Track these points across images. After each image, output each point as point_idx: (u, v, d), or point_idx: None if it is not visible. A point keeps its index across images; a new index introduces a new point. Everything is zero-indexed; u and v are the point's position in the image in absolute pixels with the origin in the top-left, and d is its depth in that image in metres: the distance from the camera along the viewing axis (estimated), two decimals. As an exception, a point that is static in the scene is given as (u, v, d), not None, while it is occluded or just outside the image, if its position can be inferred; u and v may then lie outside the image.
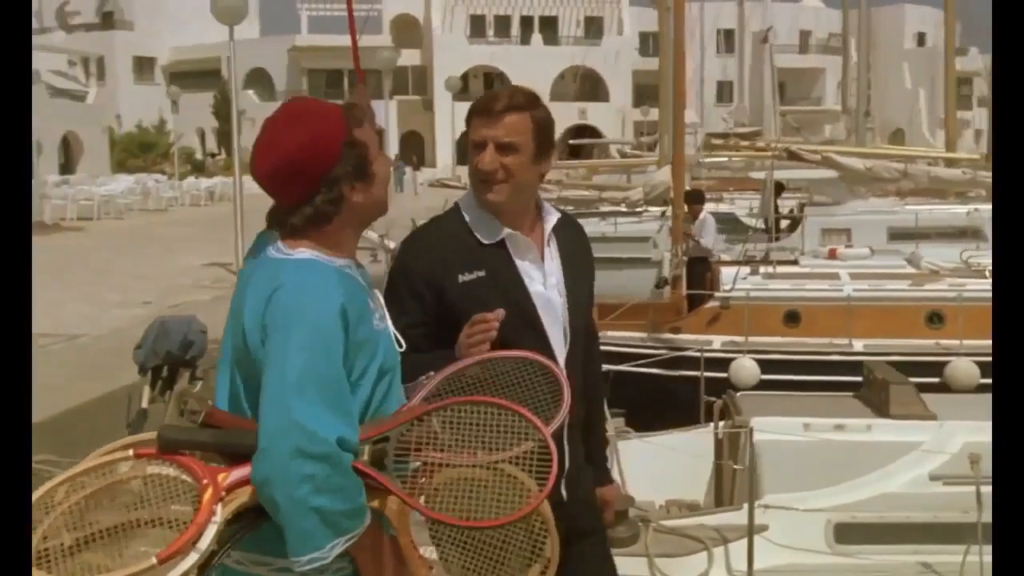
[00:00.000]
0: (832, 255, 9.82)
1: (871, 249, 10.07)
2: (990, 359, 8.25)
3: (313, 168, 1.77)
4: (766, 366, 8.67)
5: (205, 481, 1.69)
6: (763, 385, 8.40)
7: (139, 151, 36.35)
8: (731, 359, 8.77)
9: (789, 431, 4.39)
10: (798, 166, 12.99)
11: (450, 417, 1.79)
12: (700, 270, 10.08)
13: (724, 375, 8.73)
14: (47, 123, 29.83)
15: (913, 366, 8.63)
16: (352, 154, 1.80)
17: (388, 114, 45.59)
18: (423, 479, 1.74)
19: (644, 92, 44.21)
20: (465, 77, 48.94)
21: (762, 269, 9.57)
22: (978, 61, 40.45)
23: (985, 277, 8.84)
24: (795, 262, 9.89)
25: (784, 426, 4.44)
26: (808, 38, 50.66)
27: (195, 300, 10.80)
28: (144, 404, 4.22)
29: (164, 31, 47.67)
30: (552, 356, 2.13)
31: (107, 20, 48.46)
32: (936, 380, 8.34)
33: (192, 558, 1.63)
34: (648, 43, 46.48)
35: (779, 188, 16.93)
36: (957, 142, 16.58)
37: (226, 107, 43.19)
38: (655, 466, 4.92)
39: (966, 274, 9.05)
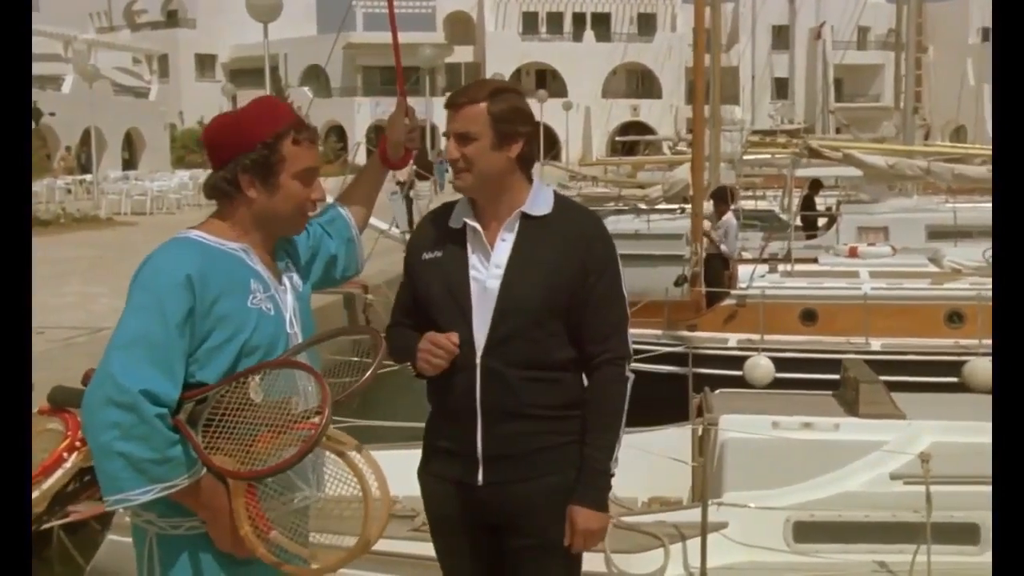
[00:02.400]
0: (853, 253, 9.70)
1: (893, 248, 9.91)
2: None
3: (222, 145, 1.99)
4: (782, 364, 8.61)
5: (69, 433, 1.96)
6: (777, 384, 8.34)
7: (197, 147, 37.26)
8: (746, 357, 8.73)
9: (756, 429, 4.40)
10: (829, 164, 12.81)
11: (264, 384, 1.92)
12: (719, 268, 10.03)
13: (739, 373, 8.70)
14: (111, 120, 30.86)
15: (931, 366, 8.52)
16: (261, 154, 1.96)
17: (431, 111, 46.09)
18: (236, 440, 1.85)
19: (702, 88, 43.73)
20: (517, 73, 49.07)
21: (781, 267, 9.50)
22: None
23: (1007, 277, 8.66)
24: (815, 260, 9.78)
25: (752, 424, 4.46)
26: (867, 34, 49.53)
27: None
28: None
29: (225, 29, 48.75)
30: (471, 336, 2.27)
31: (172, 18, 49.76)
32: (954, 380, 8.21)
33: (33, 494, 1.89)
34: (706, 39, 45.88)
35: (817, 186, 16.73)
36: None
37: (281, 104, 44.24)
38: (641, 463, 4.97)
39: (988, 273, 8.85)
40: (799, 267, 9.45)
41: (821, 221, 15.25)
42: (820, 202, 16.42)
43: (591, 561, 3.42)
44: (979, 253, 9.42)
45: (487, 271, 2.30)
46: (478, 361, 2.27)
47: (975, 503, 4.07)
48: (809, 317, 8.98)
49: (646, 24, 50.96)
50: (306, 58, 48.11)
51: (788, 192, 12.13)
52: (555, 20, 51.65)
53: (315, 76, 48.50)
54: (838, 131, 27.09)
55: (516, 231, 2.32)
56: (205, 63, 49.12)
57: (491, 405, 2.27)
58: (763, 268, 9.40)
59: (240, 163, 1.96)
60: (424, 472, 2.43)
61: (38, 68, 23.99)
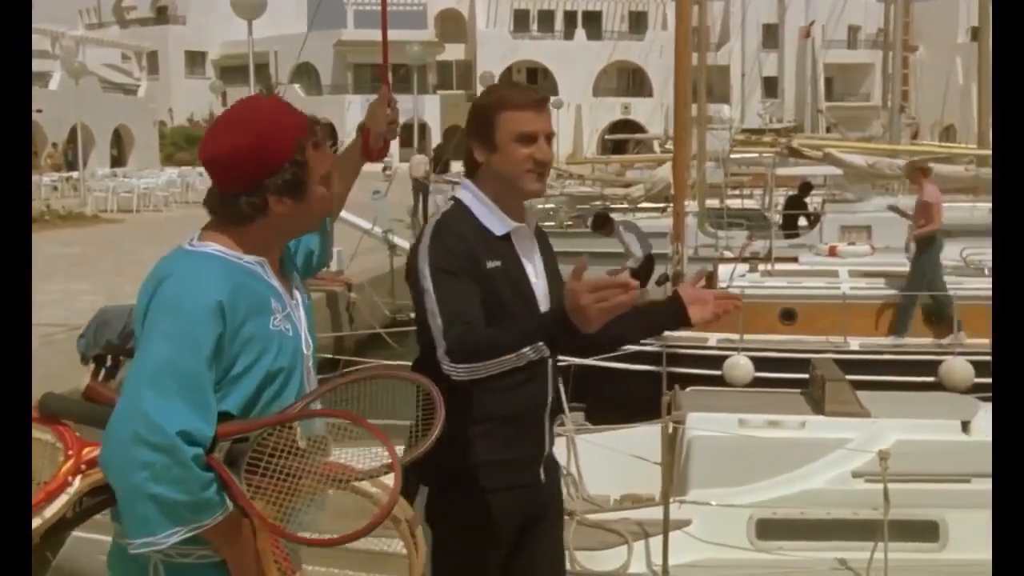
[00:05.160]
0: (832, 252, 9.75)
1: (872, 247, 9.96)
2: (985, 358, 8.15)
3: (247, 170, 1.80)
4: (761, 364, 8.65)
5: (70, 452, 1.77)
6: (757, 383, 8.38)
7: (186, 144, 37.20)
8: (725, 357, 8.77)
9: (723, 427, 4.43)
10: (813, 163, 12.86)
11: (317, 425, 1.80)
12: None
13: (719, 373, 8.74)
14: (99, 117, 30.76)
15: (908, 365, 8.58)
16: (290, 171, 1.81)
17: (417, 108, 46.01)
18: (278, 486, 1.73)
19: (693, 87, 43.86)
20: (509, 71, 49.07)
21: (761, 266, 9.54)
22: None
23: (984, 275, 8.71)
24: (795, 259, 9.82)
25: (719, 422, 4.49)
26: (857, 33, 49.73)
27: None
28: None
29: (215, 25, 48.60)
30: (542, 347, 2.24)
31: (161, 15, 49.61)
32: (931, 379, 8.27)
33: (35, 523, 1.71)
34: (695, 37, 46.00)
35: (807, 187, 16.78)
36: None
37: (271, 101, 44.15)
38: (615, 461, 4.99)
39: (965, 272, 8.92)
40: (779, 266, 9.50)
41: (804, 221, 15.32)
42: (810, 202, 16.48)
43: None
44: (958, 252, 9.48)
45: (536, 275, 2.33)
46: (549, 362, 2.30)
47: (936, 501, 4.11)
48: (788, 316, 9.02)
49: (637, 22, 51.03)
50: (296, 55, 48.04)
51: (769, 191, 12.17)
52: (546, 18, 51.67)
53: (306, 74, 48.42)
54: (828, 130, 27.20)
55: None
56: (195, 60, 48.97)
57: (554, 404, 2.37)
58: (743, 267, 9.44)
59: (269, 186, 1.81)
60: (473, 487, 2.28)
61: (25, 64, 23.86)
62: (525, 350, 2.01)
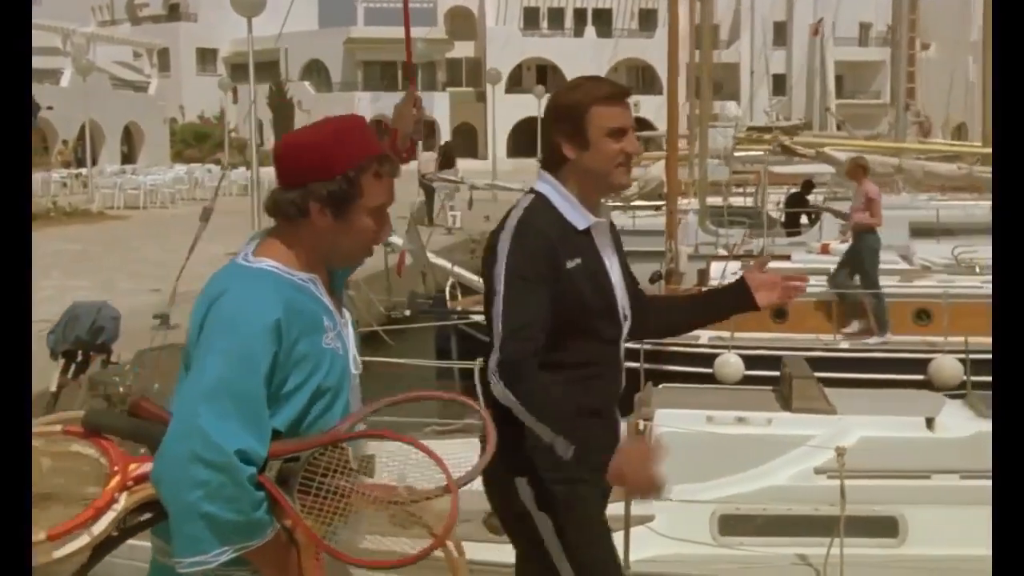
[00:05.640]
0: (825, 250, 9.74)
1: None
2: (974, 356, 8.14)
3: (300, 166, 1.81)
4: (751, 362, 8.66)
5: (116, 468, 1.75)
6: (747, 380, 8.39)
7: (195, 141, 37.40)
8: (717, 355, 8.78)
9: (690, 423, 4.45)
10: (807, 161, 12.83)
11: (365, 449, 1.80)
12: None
13: (710, 371, 8.76)
14: (110, 114, 30.98)
15: (898, 363, 8.57)
16: (339, 185, 1.81)
17: (432, 106, 45.98)
18: (328, 506, 1.73)
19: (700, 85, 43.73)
20: (518, 69, 49.08)
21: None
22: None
23: (975, 273, 8.69)
24: (788, 257, 9.82)
25: (686, 419, 4.51)
26: (868, 31, 49.47)
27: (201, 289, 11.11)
28: (52, 388, 4.45)
29: (226, 23, 48.78)
30: (621, 334, 2.35)
31: (173, 12, 49.85)
32: (921, 377, 8.26)
33: (81, 540, 1.68)
34: (709, 35, 45.84)
35: (809, 185, 16.75)
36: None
37: (280, 99, 44.25)
38: None
39: (957, 271, 8.90)
40: (772, 264, 9.40)
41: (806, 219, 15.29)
42: (813, 199, 16.44)
43: (512, 554, 3.51)
44: (950, 251, 9.46)
45: (612, 270, 2.35)
46: (621, 354, 2.38)
47: (896, 497, 4.13)
48: (779, 315, 9.01)
49: (647, 20, 50.92)
50: (306, 52, 48.18)
51: (762, 189, 12.17)
52: (556, 15, 51.64)
53: (315, 71, 48.59)
54: (838, 127, 27.09)
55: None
56: (206, 57, 49.17)
57: (622, 396, 2.43)
58: (736, 265, 9.44)
59: (314, 191, 1.80)
60: (568, 479, 2.29)
61: (37, 62, 24.06)
62: (548, 437, 2.11)
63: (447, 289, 10.27)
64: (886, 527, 4.03)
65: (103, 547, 1.72)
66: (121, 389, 4.29)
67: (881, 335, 8.69)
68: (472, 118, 48.76)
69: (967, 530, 3.91)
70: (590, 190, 2.29)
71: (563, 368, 2.24)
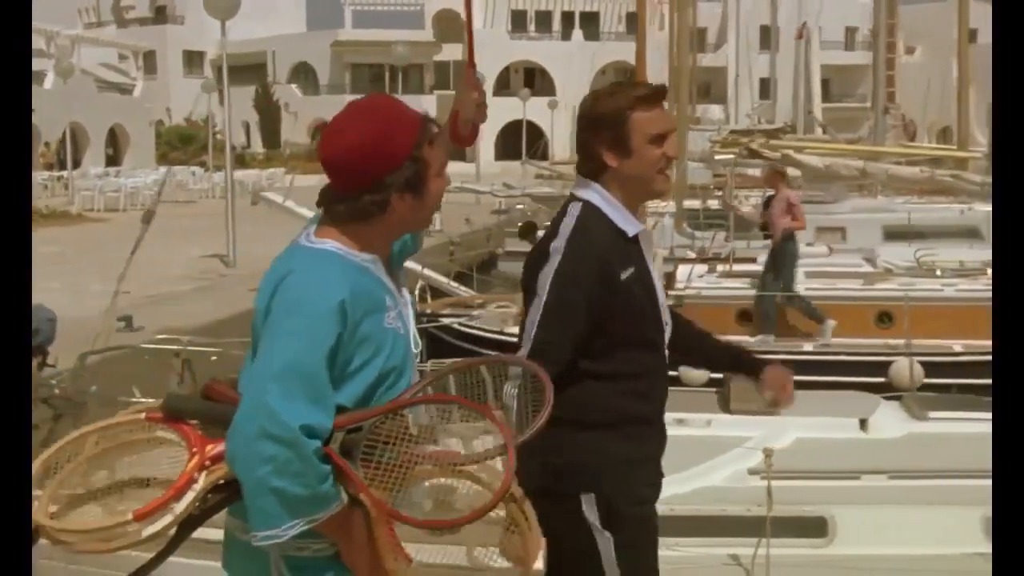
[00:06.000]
0: (790, 254, 9.77)
1: (830, 248, 10.01)
2: (934, 359, 8.17)
3: (369, 168, 1.81)
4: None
5: (194, 449, 1.80)
6: (712, 384, 8.43)
7: (180, 143, 37.33)
8: (681, 358, 8.82)
9: None
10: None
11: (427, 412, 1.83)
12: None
13: (674, 374, 8.79)
14: (94, 116, 30.89)
15: (860, 366, 8.62)
16: (411, 168, 1.83)
17: (420, 108, 45.87)
18: (392, 473, 1.77)
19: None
20: (506, 72, 49.14)
21: (719, 267, 9.58)
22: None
23: (936, 276, 8.75)
24: (754, 260, 9.87)
25: None
26: (854, 34, 49.70)
27: (174, 290, 11.24)
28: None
29: (213, 25, 48.76)
30: (664, 343, 2.34)
31: (160, 14, 49.77)
32: (882, 380, 8.31)
33: (166, 519, 1.73)
34: (692, 38, 45.97)
35: (782, 187, 16.82)
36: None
37: (266, 101, 44.25)
38: None
39: (918, 273, 8.96)
40: (737, 267, 9.52)
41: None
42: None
43: (453, 554, 3.55)
44: (918, 253, 9.52)
45: (655, 276, 2.33)
46: (666, 363, 2.38)
47: (826, 497, 4.17)
48: (745, 318, 9.05)
49: (634, 23, 51.01)
50: (294, 55, 48.17)
51: (728, 192, 12.23)
52: (543, 18, 51.74)
53: (303, 73, 48.56)
54: (822, 131, 27.21)
55: None
56: (193, 60, 49.08)
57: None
58: (701, 268, 9.49)
59: (391, 184, 1.82)
60: (639, 500, 2.36)
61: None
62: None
63: (416, 292, 10.29)
64: (815, 527, 4.06)
65: (186, 525, 1.78)
66: (57, 391, 4.31)
67: (767, 334, 8.82)
68: (460, 121, 48.76)
69: (894, 530, 3.96)
70: (632, 197, 2.26)
71: (618, 379, 2.23)
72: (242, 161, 37.63)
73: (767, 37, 45.95)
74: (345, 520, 1.77)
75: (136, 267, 13.74)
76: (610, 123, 2.22)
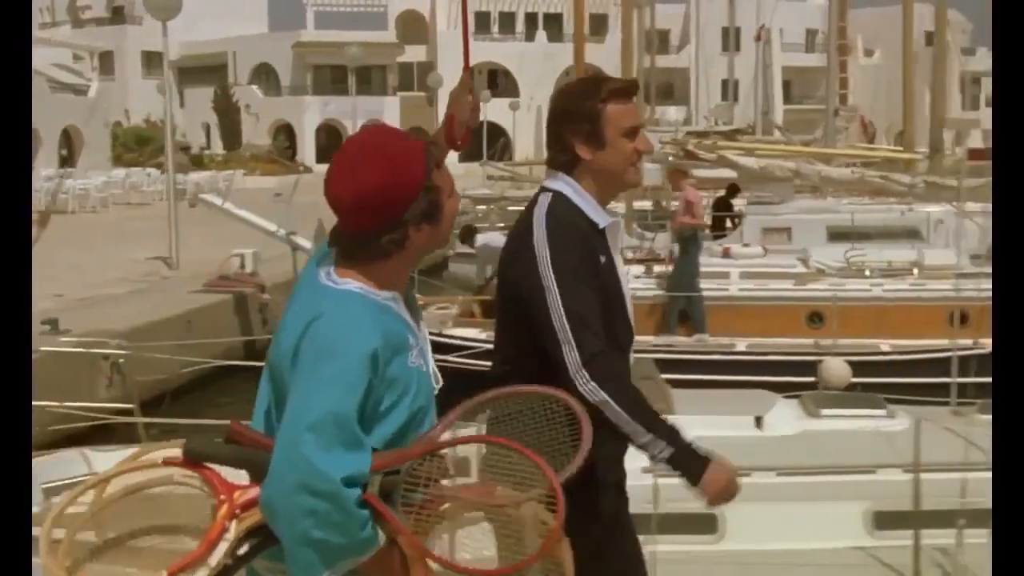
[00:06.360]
0: (726, 254, 9.86)
1: (765, 248, 10.09)
2: (863, 358, 8.27)
3: (387, 209, 1.79)
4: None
5: (222, 497, 1.75)
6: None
7: (136, 145, 36.88)
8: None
9: None
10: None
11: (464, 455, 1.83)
12: None
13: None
14: (47, 117, 30.34)
15: (791, 365, 8.69)
16: (426, 198, 1.82)
17: (382, 109, 45.81)
18: (431, 515, 1.75)
19: (655, 90, 44.10)
20: (470, 73, 48.98)
21: (656, 268, 9.62)
22: (987, 61, 39.97)
23: (865, 276, 8.85)
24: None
25: None
26: (815, 37, 50.23)
27: (109, 293, 11.06)
28: None
29: (173, 25, 48.19)
30: (631, 343, 2.32)
31: (117, 14, 49.10)
32: (812, 379, 8.38)
33: (202, 573, 1.69)
34: (654, 40, 46.22)
35: (734, 189, 16.94)
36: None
37: (225, 102, 43.83)
38: None
39: (848, 274, 9.06)
40: (671, 268, 9.57)
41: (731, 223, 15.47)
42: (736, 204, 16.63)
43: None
44: (848, 254, 9.62)
45: (621, 272, 2.33)
46: (631, 365, 2.36)
47: None
48: (684, 319, 9.11)
49: (598, 25, 51.19)
50: (255, 56, 47.76)
51: (663, 192, 12.29)
52: (507, 20, 51.74)
53: (264, 74, 48.17)
54: (778, 132, 27.46)
55: None
56: (152, 60, 48.41)
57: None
58: (638, 269, 9.52)
59: (409, 219, 1.80)
60: (604, 483, 2.37)
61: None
62: (643, 436, 2.10)
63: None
64: (705, 524, 4.08)
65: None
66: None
67: (671, 334, 8.92)
68: (423, 122, 48.54)
69: (781, 525, 3.99)
70: (605, 189, 2.28)
71: None
72: (200, 162, 37.28)
73: (729, 39, 46.44)
74: (382, 559, 1.76)
75: (75, 270, 13.66)
76: (585, 116, 2.23)
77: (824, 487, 4.10)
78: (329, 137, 45.18)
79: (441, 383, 1.93)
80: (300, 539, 1.68)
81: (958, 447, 3.80)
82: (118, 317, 10.02)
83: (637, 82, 2.37)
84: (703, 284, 9.30)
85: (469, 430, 2.15)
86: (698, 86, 34.96)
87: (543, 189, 2.31)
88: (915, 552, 3.56)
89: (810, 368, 8.57)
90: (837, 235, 12.80)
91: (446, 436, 1.83)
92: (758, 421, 4.38)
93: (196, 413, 7.53)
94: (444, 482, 1.76)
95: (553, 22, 51.64)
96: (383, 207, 1.78)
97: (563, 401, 1.88)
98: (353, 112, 28.50)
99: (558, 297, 2.12)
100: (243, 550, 1.75)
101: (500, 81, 49.50)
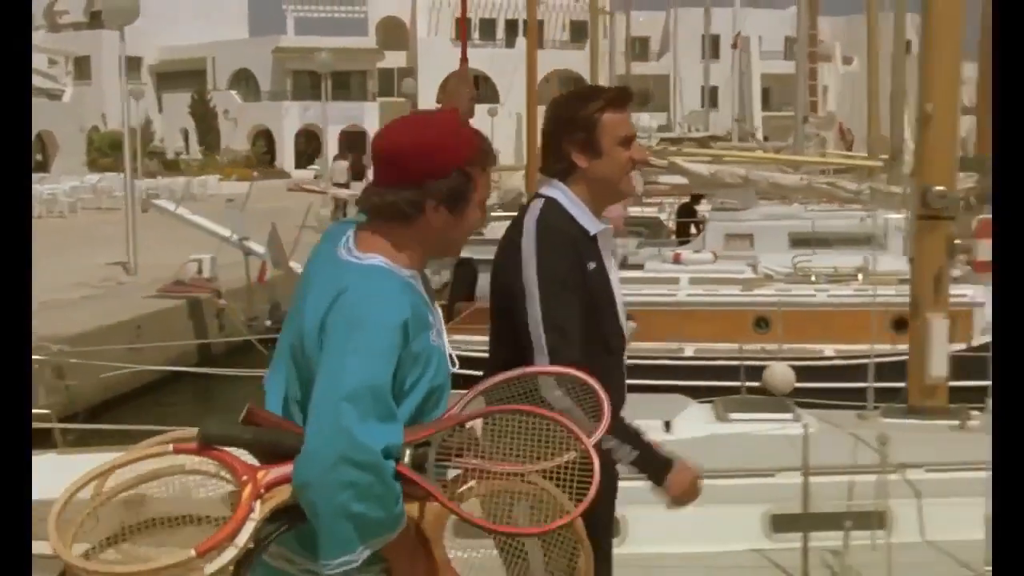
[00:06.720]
0: (676, 259, 9.88)
1: (715, 254, 10.12)
2: (806, 363, 8.28)
3: (416, 167, 1.78)
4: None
5: (245, 478, 1.71)
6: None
7: (110, 150, 36.71)
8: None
9: None
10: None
11: (492, 426, 1.80)
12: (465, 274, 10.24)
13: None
14: (21, 121, 30.11)
15: (737, 371, 8.70)
16: (456, 182, 1.81)
17: (363, 115, 45.74)
18: (462, 486, 1.76)
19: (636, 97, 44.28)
20: (449, 79, 49.08)
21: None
22: (966, 69, 40.29)
23: (811, 282, 8.88)
24: (640, 267, 9.94)
25: None
26: (794, 44, 50.51)
27: (63, 298, 10.96)
28: None
29: (152, 31, 48.05)
30: (624, 348, 2.32)
31: (95, 19, 48.88)
32: (757, 384, 8.39)
33: (230, 553, 1.66)
34: (635, 47, 46.45)
35: (698, 196, 17.00)
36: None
37: (202, 107, 43.69)
38: None
39: (795, 279, 9.10)
40: (623, 274, 9.51)
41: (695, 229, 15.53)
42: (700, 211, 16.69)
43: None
44: (841, 261, 9.64)
45: (613, 279, 2.34)
46: (624, 370, 2.38)
47: (622, 497, 4.19)
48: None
49: (578, 32, 51.34)
50: (235, 61, 47.64)
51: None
52: (487, 26, 51.83)
53: (244, 79, 48.05)
54: (765, 139, 27.66)
55: None
56: (130, 65, 48.14)
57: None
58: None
59: (431, 189, 1.79)
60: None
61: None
62: (608, 442, 2.06)
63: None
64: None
65: (245, 560, 1.71)
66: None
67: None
68: (403, 128, 48.65)
69: (684, 528, 3.98)
70: (599, 198, 2.30)
71: None
72: (175, 167, 37.14)
73: (712, 46, 46.70)
74: (406, 539, 1.76)
75: (35, 275, 13.49)
76: (582, 124, 2.26)
77: (725, 490, 4.10)
78: (308, 142, 45.12)
79: (457, 365, 1.90)
80: (338, 513, 1.65)
81: (854, 450, 3.81)
82: (67, 322, 9.94)
83: (631, 91, 2.39)
84: (653, 290, 9.31)
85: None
86: (675, 93, 35.09)
87: (536, 195, 2.34)
88: (804, 554, 3.56)
89: (756, 373, 8.61)
90: (799, 241, 12.83)
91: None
92: (667, 425, 4.37)
93: (140, 419, 7.48)
94: (476, 454, 1.76)
95: (534, 29, 51.78)
96: (412, 163, 1.78)
97: (579, 379, 1.91)
98: (324, 117, 28.42)
99: (539, 304, 2.14)
100: (266, 532, 1.73)
101: (480, 87, 49.54)
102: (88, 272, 13.50)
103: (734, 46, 32.80)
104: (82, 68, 43.03)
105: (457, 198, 1.81)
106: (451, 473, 1.77)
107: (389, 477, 1.67)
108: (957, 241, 4.27)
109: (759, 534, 3.83)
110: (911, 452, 3.90)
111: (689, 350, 8.94)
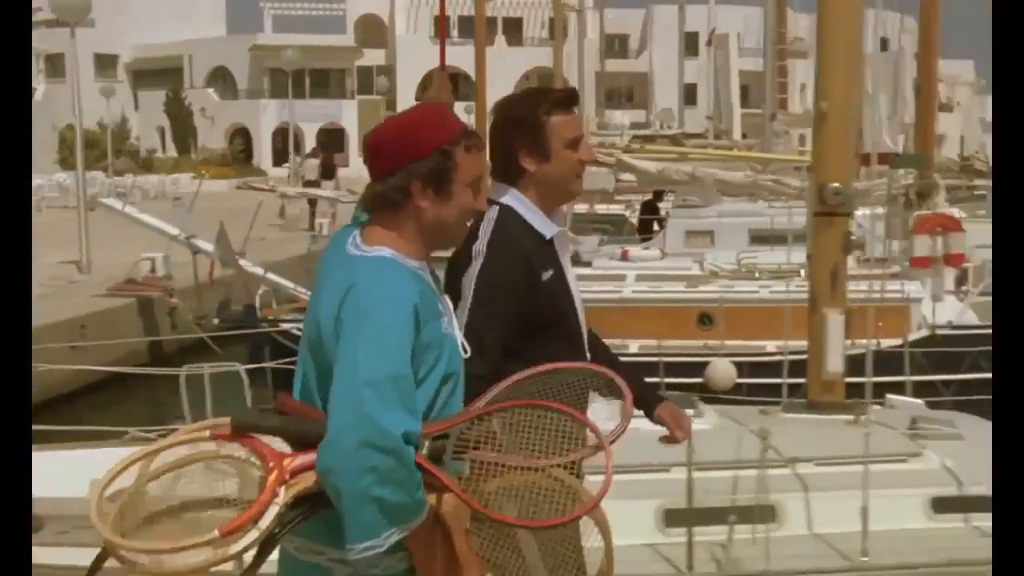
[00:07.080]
0: (624, 256, 9.86)
1: (662, 251, 10.11)
2: (748, 359, 8.25)
3: (396, 151, 1.85)
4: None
5: (271, 464, 1.76)
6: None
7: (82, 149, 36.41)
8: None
9: None
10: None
11: (510, 420, 1.82)
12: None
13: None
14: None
15: (681, 367, 8.68)
16: (437, 161, 1.85)
17: (340, 114, 45.58)
18: (480, 479, 1.78)
19: (612, 94, 44.33)
20: (429, 77, 48.97)
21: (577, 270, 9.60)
22: (948, 67, 40.46)
23: (755, 279, 8.87)
24: (589, 264, 9.91)
25: None
26: (771, 42, 50.61)
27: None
28: None
29: (127, 28, 47.73)
30: (583, 351, 2.30)
31: (71, 17, 48.57)
32: (700, 380, 8.38)
33: (252, 535, 1.71)
34: (614, 45, 46.52)
35: (660, 193, 17.00)
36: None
37: (177, 105, 43.42)
38: None
39: (739, 276, 9.09)
40: (577, 271, 9.55)
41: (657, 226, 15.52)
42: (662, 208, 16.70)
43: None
44: (740, 256, 9.65)
45: (571, 280, 2.34)
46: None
47: None
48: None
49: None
50: (212, 59, 47.38)
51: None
52: (466, 24, 51.60)
53: (221, 77, 47.79)
54: (744, 136, 27.67)
55: None
56: (105, 63, 47.90)
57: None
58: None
59: (414, 170, 1.85)
60: None
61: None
62: None
63: (258, 297, 10.09)
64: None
65: (268, 543, 1.76)
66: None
67: None
68: (382, 126, 48.54)
69: (580, 524, 3.98)
70: (549, 200, 2.29)
71: None
72: (149, 165, 36.90)
73: (690, 44, 46.75)
74: (426, 529, 1.78)
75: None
76: (529, 127, 2.26)
77: (622, 486, 4.09)
78: (286, 140, 44.89)
79: (469, 353, 1.94)
80: (361, 497, 1.67)
81: (753, 445, 3.80)
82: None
83: (577, 92, 2.39)
84: (599, 287, 9.28)
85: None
86: (651, 90, 35.11)
87: (490, 203, 2.31)
88: (688, 548, 3.57)
89: (699, 369, 8.60)
90: (759, 238, 12.85)
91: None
92: None
93: (81, 419, 7.39)
94: (493, 448, 1.79)
95: (513, 26, 51.69)
96: (393, 149, 1.84)
97: (602, 375, 1.98)
98: (291, 114, 28.33)
99: (466, 313, 2.15)
100: (287, 518, 1.77)
101: (460, 85, 49.43)
102: (40, 271, 13.31)
103: (708, 43, 32.83)
104: (56, 66, 42.64)
105: (440, 178, 1.85)
106: (468, 466, 1.80)
107: (411, 462, 1.70)
108: (853, 237, 4.26)
109: (652, 529, 3.83)
110: (801, 447, 3.89)
111: (634, 347, 8.92)
